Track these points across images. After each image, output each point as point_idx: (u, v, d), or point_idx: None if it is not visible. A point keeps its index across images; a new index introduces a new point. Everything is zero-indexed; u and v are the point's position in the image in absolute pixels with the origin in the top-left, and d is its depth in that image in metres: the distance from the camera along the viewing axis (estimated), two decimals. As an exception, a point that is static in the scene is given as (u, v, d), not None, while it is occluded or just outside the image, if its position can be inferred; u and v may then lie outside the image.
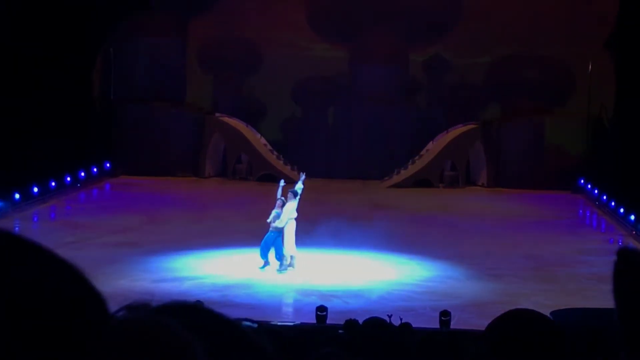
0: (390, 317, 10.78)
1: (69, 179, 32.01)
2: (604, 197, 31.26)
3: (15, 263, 1.27)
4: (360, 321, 9.11)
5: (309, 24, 38.55)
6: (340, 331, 10.70)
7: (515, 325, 2.73)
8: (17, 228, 26.33)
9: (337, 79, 38.78)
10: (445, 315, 15.57)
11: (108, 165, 35.57)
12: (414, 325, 11.80)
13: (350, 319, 10.97)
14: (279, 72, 37.87)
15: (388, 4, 37.73)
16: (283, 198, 21.04)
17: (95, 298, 1.34)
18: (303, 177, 22.04)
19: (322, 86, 38.68)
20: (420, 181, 36.41)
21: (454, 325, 15.63)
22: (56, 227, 26.76)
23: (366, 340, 6.64)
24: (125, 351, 1.30)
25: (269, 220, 20.98)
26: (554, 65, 37.57)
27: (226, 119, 37.44)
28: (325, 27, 38.52)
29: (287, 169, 35.96)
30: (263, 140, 37.44)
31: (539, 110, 37.49)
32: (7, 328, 1.23)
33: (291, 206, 20.80)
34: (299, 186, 21.36)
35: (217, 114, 37.66)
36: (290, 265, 20.89)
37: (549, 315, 2.82)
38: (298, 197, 21.04)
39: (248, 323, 2.89)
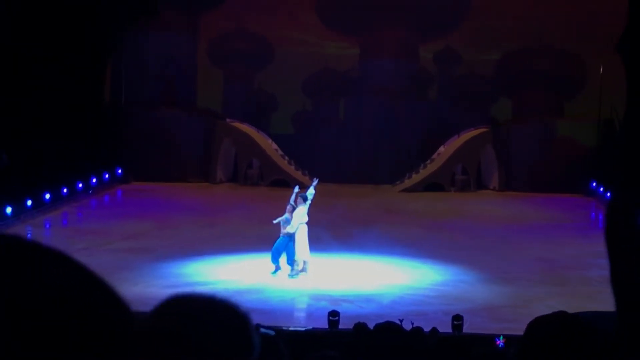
0: (401, 321, 10.76)
1: (80, 185, 32.07)
2: (616, 200, 31.13)
3: (37, 270, 1.29)
4: (371, 325, 9.11)
5: (319, 18, 38.69)
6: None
7: (553, 328, 2.73)
8: (29, 235, 26.42)
9: (347, 73, 38.93)
10: (457, 319, 15.55)
11: (119, 171, 35.64)
12: (426, 330, 11.78)
13: (359, 323, 10.96)
14: (289, 65, 38.05)
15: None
16: (293, 203, 21.01)
17: (118, 303, 1.35)
18: (315, 182, 21.97)
19: (333, 80, 38.84)
20: (432, 185, 36.40)
21: (466, 329, 15.60)
22: (68, 233, 26.80)
23: (377, 344, 6.65)
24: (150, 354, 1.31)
25: (275, 222, 20.95)
26: (565, 59, 37.60)
27: (237, 124, 37.48)
28: (336, 21, 38.69)
29: (298, 174, 35.99)
30: (274, 146, 37.48)
31: (549, 104, 37.52)
32: (30, 332, 1.24)
33: (301, 211, 20.76)
34: (310, 191, 21.30)
35: (228, 119, 37.71)
36: (303, 270, 20.83)
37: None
38: (309, 202, 20.98)
39: (264, 330, 2.90)
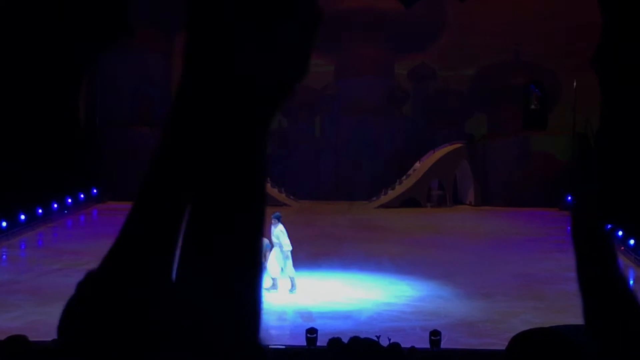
0: (378, 337, 10.75)
1: (55, 205, 31.91)
2: (591, 214, 31.24)
3: None
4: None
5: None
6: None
7: (536, 344, 2.73)
8: (4, 256, 26.25)
9: (323, 90, 38.98)
10: (435, 334, 15.55)
11: (95, 191, 35.48)
12: (403, 346, 11.77)
13: (334, 338, 10.94)
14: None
15: (372, 15, 37.93)
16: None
17: None
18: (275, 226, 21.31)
19: (308, 97, 38.84)
20: (408, 201, 36.44)
21: (444, 344, 15.61)
22: (44, 254, 26.64)
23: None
24: None
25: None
26: (539, 74, 37.77)
27: (213, 143, 37.38)
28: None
29: (274, 192, 35.93)
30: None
31: (523, 123, 37.71)
32: None
33: (280, 228, 20.80)
34: (266, 243, 20.45)
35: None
36: (273, 287, 20.74)
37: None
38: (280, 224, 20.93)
39: None
